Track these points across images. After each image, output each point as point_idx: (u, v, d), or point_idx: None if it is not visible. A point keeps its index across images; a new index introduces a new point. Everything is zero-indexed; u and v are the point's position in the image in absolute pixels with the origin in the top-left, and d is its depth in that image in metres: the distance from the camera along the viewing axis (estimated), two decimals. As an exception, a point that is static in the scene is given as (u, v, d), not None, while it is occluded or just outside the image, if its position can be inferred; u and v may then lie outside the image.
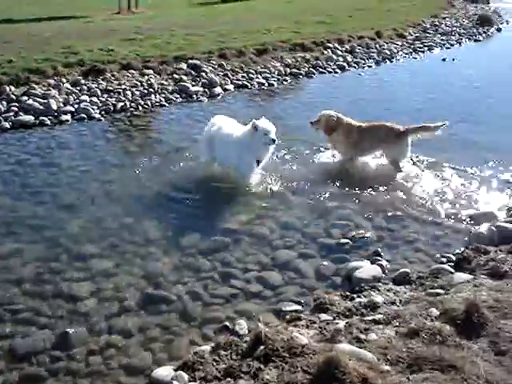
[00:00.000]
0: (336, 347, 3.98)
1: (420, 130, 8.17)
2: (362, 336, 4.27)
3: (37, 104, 10.56)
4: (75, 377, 4.27)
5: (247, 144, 7.51)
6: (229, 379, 3.85)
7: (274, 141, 7.48)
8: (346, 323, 4.50)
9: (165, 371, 4.13)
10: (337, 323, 4.55)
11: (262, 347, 4.07)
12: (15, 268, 5.67)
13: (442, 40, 20.97)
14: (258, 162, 7.66)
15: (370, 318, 4.62)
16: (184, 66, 13.44)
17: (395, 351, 3.99)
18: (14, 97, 10.75)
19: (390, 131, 8.15)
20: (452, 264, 5.79)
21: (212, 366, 4.08)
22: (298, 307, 5.08)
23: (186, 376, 3.99)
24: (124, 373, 4.32)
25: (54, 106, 10.58)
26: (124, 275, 5.59)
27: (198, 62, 13.61)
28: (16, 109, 10.44)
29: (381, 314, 4.71)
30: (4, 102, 10.56)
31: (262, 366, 3.91)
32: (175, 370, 4.12)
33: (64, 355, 4.49)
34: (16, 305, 5.08)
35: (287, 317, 4.88)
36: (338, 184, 7.77)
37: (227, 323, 4.83)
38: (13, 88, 11.00)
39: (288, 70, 14.71)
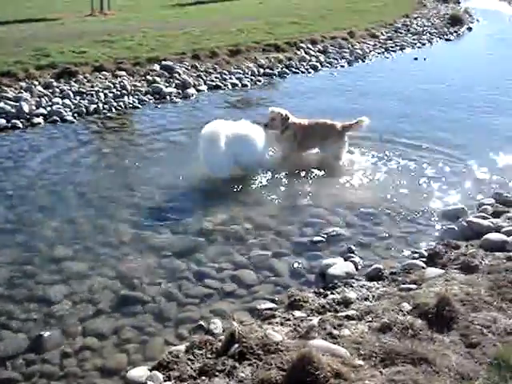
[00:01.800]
0: (310, 343, 4.02)
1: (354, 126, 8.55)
2: (336, 332, 4.32)
3: (8, 107, 10.44)
4: (50, 380, 4.26)
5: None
6: (204, 378, 3.88)
7: None
8: (320, 319, 4.54)
9: (140, 372, 4.14)
10: (310, 320, 4.60)
11: (236, 345, 4.10)
12: (-13, 272, 5.61)
13: (414, 39, 21.15)
14: None
15: (343, 313, 4.68)
16: (157, 67, 13.41)
17: (368, 346, 4.05)
18: (-16, 100, 10.63)
19: (331, 128, 8.47)
20: (424, 259, 5.86)
21: (187, 365, 4.10)
22: (273, 305, 5.11)
23: (160, 376, 4.01)
24: (99, 374, 4.31)
25: (26, 109, 10.47)
26: (98, 277, 5.57)
27: (170, 64, 13.59)
28: (-13, 112, 10.32)
29: (354, 309, 4.77)
30: (-25, 106, 10.44)
31: (236, 364, 3.94)
32: (150, 370, 4.13)
33: (38, 358, 4.47)
34: (-12, 309, 5.04)
35: (262, 315, 4.91)
36: (306, 181, 7.89)
37: (202, 323, 4.85)
38: (-17, 92, 10.88)
39: (261, 71, 14.76)
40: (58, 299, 5.19)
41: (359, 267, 5.78)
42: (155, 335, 4.75)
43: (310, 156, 8.76)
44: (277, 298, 5.24)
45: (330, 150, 8.58)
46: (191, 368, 4.05)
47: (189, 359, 4.18)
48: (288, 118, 8.42)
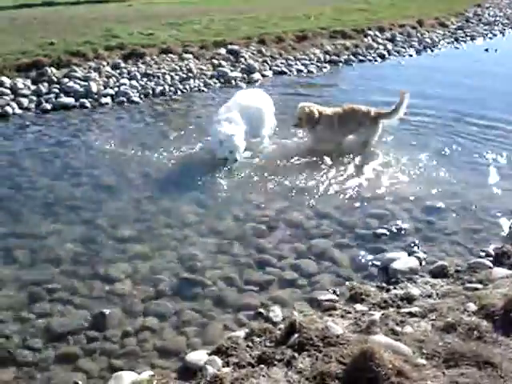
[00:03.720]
0: (371, 339, 3.94)
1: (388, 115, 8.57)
2: (398, 328, 4.22)
3: (77, 86, 10.71)
4: (110, 357, 4.33)
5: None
6: (262, 366, 3.85)
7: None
8: (382, 315, 4.45)
9: (198, 355, 4.14)
10: (372, 314, 4.50)
11: (296, 335, 4.06)
12: (53, 248, 5.76)
13: (485, 30, 20.53)
14: None
15: (405, 310, 4.57)
16: (223, 51, 13.45)
17: (431, 345, 3.94)
18: (55, 79, 10.94)
19: (365, 115, 8.48)
20: (491, 258, 5.67)
21: (245, 352, 4.09)
22: (333, 296, 5.04)
23: (219, 361, 4.00)
24: (158, 355, 4.35)
25: (95, 89, 10.70)
26: (160, 258, 5.63)
27: (236, 48, 13.60)
28: (57, 91, 10.62)
29: (417, 306, 4.64)
30: (45, 84, 10.75)
31: (295, 355, 3.90)
32: (209, 355, 4.13)
33: (100, 335, 4.55)
34: (53, 284, 5.16)
35: (322, 306, 4.85)
36: (364, 172, 7.77)
37: (261, 310, 4.82)
38: (54, 70, 11.17)
39: (327, 57, 14.59)
40: (120, 278, 5.28)
41: (423, 263, 5.63)
42: (214, 320, 4.76)
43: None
44: (337, 290, 5.16)
45: (363, 136, 8.59)
46: (250, 355, 4.04)
47: (248, 346, 4.17)
48: (314, 116, 8.31)
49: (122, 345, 4.46)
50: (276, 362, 3.86)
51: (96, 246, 5.83)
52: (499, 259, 5.63)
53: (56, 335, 4.52)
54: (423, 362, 3.75)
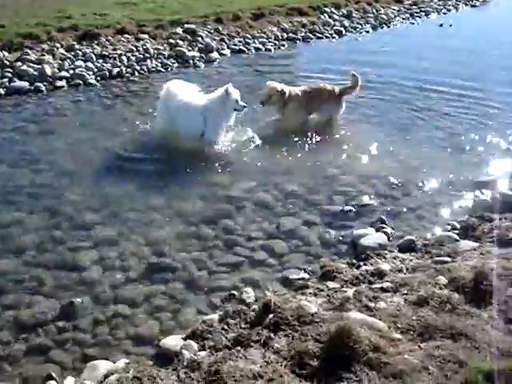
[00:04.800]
0: (346, 316, 3.95)
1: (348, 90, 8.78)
2: (371, 304, 4.25)
3: (31, 70, 10.37)
4: (82, 347, 4.24)
5: (219, 110, 7.56)
6: (239, 348, 3.82)
7: (244, 107, 7.64)
8: (355, 291, 4.47)
9: (173, 340, 4.09)
10: (345, 291, 4.52)
11: (271, 316, 4.04)
12: (16, 237, 5.59)
13: (439, 5, 20.72)
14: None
15: (377, 285, 4.60)
16: (180, 30, 13.23)
17: (405, 319, 3.98)
18: (7, 62, 10.56)
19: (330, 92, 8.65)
20: (457, 232, 5.75)
21: (221, 335, 4.06)
22: (305, 275, 5.04)
23: (195, 345, 3.96)
24: (132, 342, 4.28)
25: (49, 72, 10.39)
26: (127, 243, 5.52)
27: (193, 27, 13.40)
28: (10, 75, 10.26)
29: (388, 281, 4.68)
30: (-3, 68, 10.37)
31: (271, 335, 3.89)
32: (184, 339, 4.09)
33: (70, 325, 4.45)
34: (19, 274, 5.02)
35: (294, 285, 4.85)
36: (328, 150, 7.81)
37: (234, 292, 4.79)
38: (6, 54, 10.81)
39: (285, 35, 14.52)
40: (87, 265, 5.16)
41: (391, 238, 5.68)
42: (187, 303, 4.71)
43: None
44: (309, 268, 5.17)
45: (328, 112, 8.76)
46: (226, 338, 4.01)
47: (223, 329, 4.14)
48: (285, 94, 8.37)
49: (94, 334, 4.37)
50: (252, 344, 3.84)
51: (60, 233, 5.68)
52: (465, 232, 5.72)
53: (25, 327, 4.40)
54: (399, 336, 3.78)
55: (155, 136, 8.01)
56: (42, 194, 6.47)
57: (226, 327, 4.17)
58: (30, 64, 10.55)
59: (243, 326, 4.17)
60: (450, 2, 21.40)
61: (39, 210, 6.11)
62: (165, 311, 4.61)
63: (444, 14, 19.88)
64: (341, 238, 5.70)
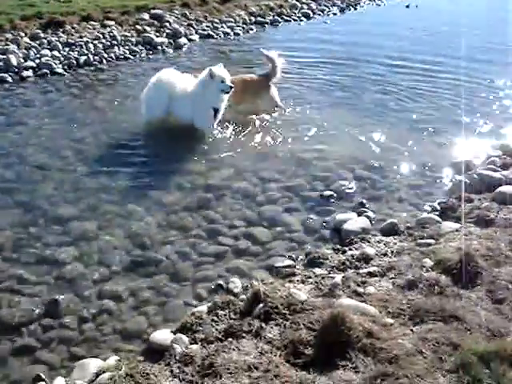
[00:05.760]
0: (337, 302, 3.94)
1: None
2: (360, 289, 4.24)
3: (-4, 60, 10.07)
4: (69, 345, 4.11)
5: (203, 93, 7.37)
6: (231, 339, 3.77)
7: (231, 88, 7.38)
8: (343, 277, 4.45)
9: (163, 335, 4.00)
10: (333, 277, 4.50)
11: (261, 305, 4.00)
12: (-9, 235, 5.41)
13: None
14: (216, 112, 7.55)
15: (365, 270, 4.59)
16: (146, 16, 13.01)
17: (395, 303, 3.99)
18: (-30, 53, 10.23)
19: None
20: (437, 213, 5.77)
21: (211, 327, 4.00)
22: (291, 262, 4.99)
23: (186, 338, 3.89)
24: (120, 338, 4.17)
25: (15, 62, 10.13)
26: (107, 237, 5.40)
27: (160, 12, 13.18)
28: (-27, 66, 9.95)
29: (375, 266, 4.67)
30: (-41, 59, 10.04)
31: (263, 325, 3.85)
32: (174, 333, 4.01)
33: (55, 323, 4.31)
34: (-4, 273, 4.86)
35: (281, 272, 4.80)
36: (305, 135, 7.78)
37: (221, 282, 4.72)
38: (-32, 44, 10.46)
39: (253, 19, 14.41)
40: (68, 262, 5.01)
41: (373, 222, 5.67)
42: (173, 296, 4.62)
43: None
44: (294, 255, 5.13)
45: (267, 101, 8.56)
46: (216, 329, 3.95)
47: (213, 320, 4.07)
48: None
49: (81, 331, 4.24)
50: (244, 335, 3.79)
51: (37, 229, 5.51)
52: (445, 213, 5.74)
53: (8, 327, 4.24)
54: (390, 321, 3.78)
55: (142, 124, 7.85)
56: (13, 188, 6.27)
57: (215, 319, 4.10)
58: (-6, 54, 10.26)
59: (233, 316, 4.11)
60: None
61: (12, 206, 5.93)
62: (151, 305, 4.51)
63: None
64: (323, 224, 5.67)
